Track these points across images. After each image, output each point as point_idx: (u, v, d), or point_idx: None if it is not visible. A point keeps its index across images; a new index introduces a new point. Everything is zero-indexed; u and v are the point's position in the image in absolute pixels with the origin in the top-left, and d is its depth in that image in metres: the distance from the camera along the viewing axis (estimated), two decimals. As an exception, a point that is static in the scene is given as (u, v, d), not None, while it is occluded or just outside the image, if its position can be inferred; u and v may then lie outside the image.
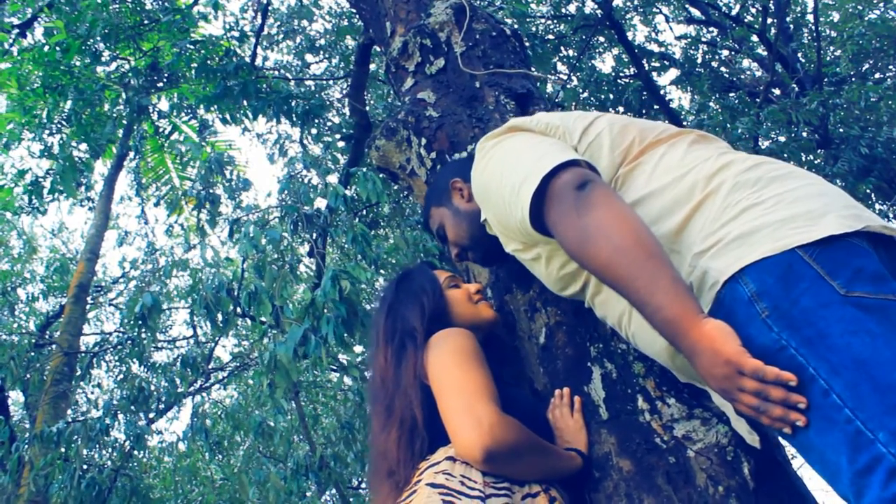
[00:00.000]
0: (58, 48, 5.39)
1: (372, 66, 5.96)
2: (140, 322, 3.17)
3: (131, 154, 8.82)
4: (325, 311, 2.59)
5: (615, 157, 1.34)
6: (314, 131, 6.42)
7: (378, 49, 4.55)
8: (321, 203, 4.35)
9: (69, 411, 7.43)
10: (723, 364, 1.00)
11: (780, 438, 1.25)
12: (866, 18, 8.74)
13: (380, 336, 1.51)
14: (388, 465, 1.30)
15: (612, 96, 7.58)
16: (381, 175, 3.31)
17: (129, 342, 4.47)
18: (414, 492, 1.23)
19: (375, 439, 1.37)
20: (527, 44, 2.64)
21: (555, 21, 8.32)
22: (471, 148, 2.00)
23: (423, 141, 2.11)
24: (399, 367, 1.39)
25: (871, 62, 8.57)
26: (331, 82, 7.95)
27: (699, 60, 9.16)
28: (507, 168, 1.33)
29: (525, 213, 1.25)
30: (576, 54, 7.83)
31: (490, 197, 1.40)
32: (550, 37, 7.89)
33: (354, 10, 6.38)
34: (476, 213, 1.54)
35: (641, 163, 1.33)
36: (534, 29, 7.69)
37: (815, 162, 7.06)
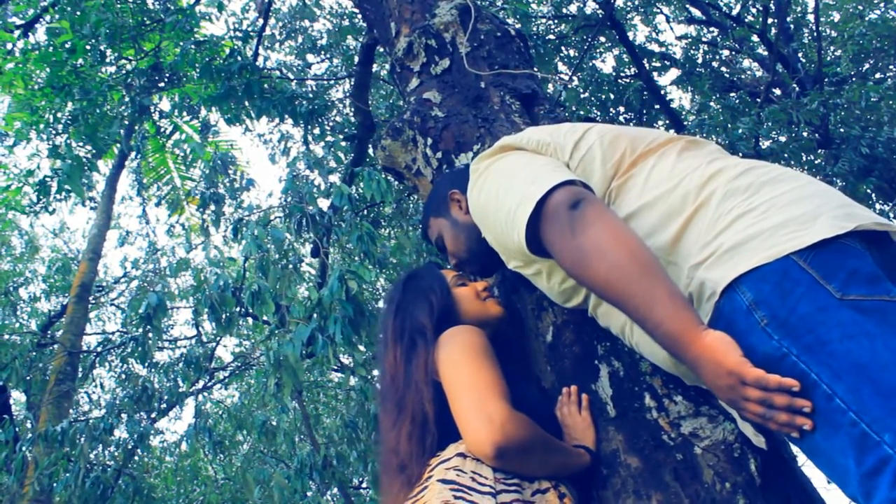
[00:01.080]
0: (62, 48, 5.41)
1: (374, 66, 5.96)
2: (145, 322, 3.19)
3: (133, 154, 8.83)
4: (333, 310, 2.60)
5: (607, 171, 1.35)
6: (317, 131, 6.43)
7: (381, 49, 4.56)
8: (323, 203, 4.37)
9: (71, 411, 7.45)
10: (725, 375, 1.01)
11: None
12: (867, 18, 8.75)
13: (389, 335, 1.52)
14: (399, 460, 1.31)
15: (612, 96, 7.59)
16: (385, 175, 3.33)
17: (133, 342, 4.48)
18: (425, 488, 1.24)
19: (386, 436, 1.38)
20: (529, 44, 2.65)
21: (556, 21, 8.33)
22: (476, 148, 2.01)
23: (429, 141, 2.13)
24: (409, 365, 1.40)
25: (871, 62, 8.58)
26: (333, 82, 7.97)
27: (700, 60, 9.17)
28: (501, 191, 1.35)
29: (521, 237, 1.27)
30: (577, 54, 7.84)
31: (487, 219, 1.42)
32: (551, 37, 7.90)
33: (357, 10, 6.39)
34: (474, 225, 1.55)
35: (633, 175, 1.33)
36: (535, 29, 7.70)
37: (816, 162, 7.07)
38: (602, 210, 1.19)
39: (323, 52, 8.36)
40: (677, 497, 1.25)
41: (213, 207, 4.15)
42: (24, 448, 4.67)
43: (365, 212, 5.95)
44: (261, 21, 6.35)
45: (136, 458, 7.63)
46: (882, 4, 9.02)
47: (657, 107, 7.25)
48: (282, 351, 2.66)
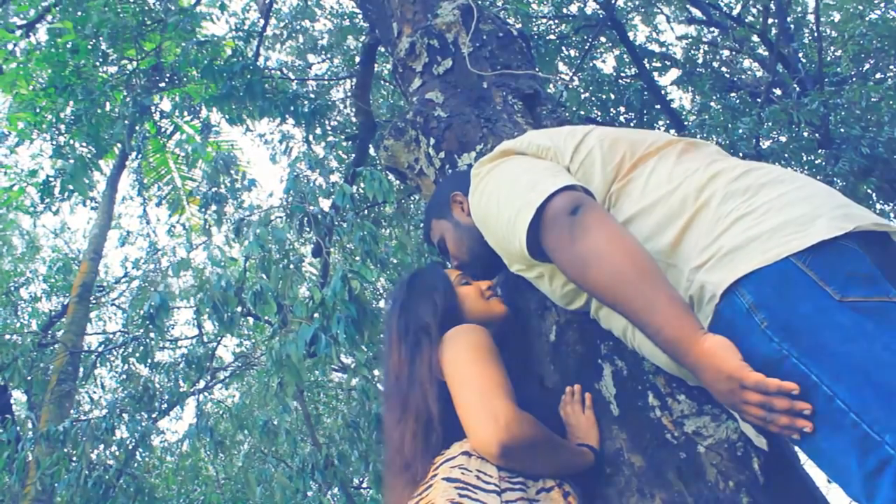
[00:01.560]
0: (64, 49, 5.42)
1: (375, 66, 5.97)
2: (148, 321, 3.19)
3: (133, 154, 8.83)
4: (336, 310, 2.60)
5: (607, 174, 1.36)
6: (318, 131, 6.44)
7: (383, 49, 4.56)
8: (324, 203, 4.37)
9: (72, 411, 7.46)
10: (725, 379, 1.02)
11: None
12: (867, 18, 8.75)
13: (393, 334, 1.52)
14: (403, 459, 1.32)
15: (613, 97, 7.60)
16: (386, 174, 3.33)
17: (134, 342, 4.49)
18: (430, 486, 1.24)
19: (390, 435, 1.39)
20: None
21: (556, 21, 8.34)
22: (479, 148, 2.02)
23: (432, 141, 2.13)
24: (413, 364, 1.41)
25: (871, 62, 8.58)
26: (334, 82, 7.98)
27: (700, 60, 9.18)
28: (502, 197, 1.36)
29: (522, 244, 1.28)
30: (578, 55, 7.84)
31: (489, 224, 1.43)
32: (552, 37, 7.90)
33: (358, 10, 6.39)
34: (476, 227, 1.56)
35: (633, 178, 1.34)
36: (535, 29, 7.70)
37: (816, 162, 7.07)
38: (601, 215, 1.20)
39: (324, 53, 8.37)
40: (681, 496, 1.26)
41: (214, 207, 4.16)
42: (25, 448, 4.68)
43: (366, 212, 5.96)
44: (262, 21, 6.36)
45: (138, 457, 7.64)
46: (882, 4, 9.02)
47: (658, 107, 7.26)
48: (285, 350, 2.66)
